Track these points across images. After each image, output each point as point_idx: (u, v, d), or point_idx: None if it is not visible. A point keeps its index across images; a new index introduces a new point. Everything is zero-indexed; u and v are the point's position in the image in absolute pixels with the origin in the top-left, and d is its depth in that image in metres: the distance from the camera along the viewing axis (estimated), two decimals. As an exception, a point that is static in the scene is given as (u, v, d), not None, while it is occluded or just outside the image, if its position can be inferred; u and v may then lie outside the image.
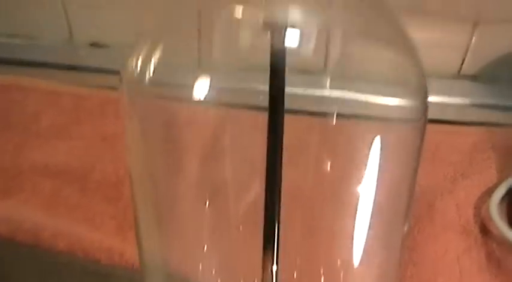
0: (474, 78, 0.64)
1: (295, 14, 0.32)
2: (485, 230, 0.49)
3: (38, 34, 0.68)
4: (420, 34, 0.61)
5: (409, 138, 0.38)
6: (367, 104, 0.37)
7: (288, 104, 0.31)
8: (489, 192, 0.50)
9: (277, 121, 0.31)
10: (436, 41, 0.61)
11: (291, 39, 0.31)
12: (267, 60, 0.30)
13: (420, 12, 0.59)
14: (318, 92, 0.35)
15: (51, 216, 0.49)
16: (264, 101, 0.31)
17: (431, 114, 0.62)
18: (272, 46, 0.30)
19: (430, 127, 0.60)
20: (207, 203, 0.38)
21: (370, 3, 0.37)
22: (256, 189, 0.35)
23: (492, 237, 0.48)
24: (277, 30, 0.31)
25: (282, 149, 0.31)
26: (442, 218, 0.49)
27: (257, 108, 0.33)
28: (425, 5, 0.58)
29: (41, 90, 0.61)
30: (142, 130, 0.38)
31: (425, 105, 0.37)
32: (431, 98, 0.63)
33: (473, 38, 0.60)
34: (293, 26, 0.31)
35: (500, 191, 0.50)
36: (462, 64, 0.63)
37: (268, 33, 0.31)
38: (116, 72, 0.65)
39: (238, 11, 0.34)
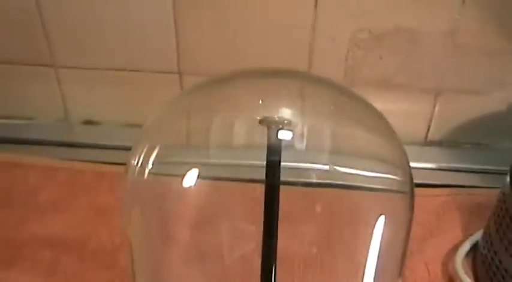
0: (440, 143, 0.69)
1: (286, 113, 0.37)
2: (453, 284, 0.52)
3: (34, 114, 0.72)
4: (388, 105, 0.66)
5: (400, 208, 0.41)
6: (360, 178, 0.42)
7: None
8: (455, 249, 0.54)
9: (273, 209, 0.35)
10: (403, 111, 0.66)
11: (285, 134, 0.36)
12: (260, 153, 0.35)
13: (387, 86, 0.64)
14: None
15: (51, 283, 0.52)
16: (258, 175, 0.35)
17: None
18: (269, 139, 0.35)
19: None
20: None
21: (349, 98, 0.43)
22: (253, 260, 0.37)
23: (460, 291, 0.51)
24: (273, 126, 0.36)
25: (277, 222, 0.35)
26: (413, 275, 0.53)
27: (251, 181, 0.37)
28: (391, 79, 0.64)
29: (39, 167, 0.64)
30: (143, 215, 0.43)
31: (411, 180, 0.41)
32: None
33: (436, 107, 0.65)
34: (286, 123, 0.36)
35: (465, 248, 0.54)
36: (428, 131, 0.68)
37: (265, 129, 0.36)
38: (108, 148, 0.69)
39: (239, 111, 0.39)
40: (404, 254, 0.41)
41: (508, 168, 0.49)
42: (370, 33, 0.60)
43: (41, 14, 0.63)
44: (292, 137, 0.36)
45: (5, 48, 0.66)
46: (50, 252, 0.54)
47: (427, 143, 0.69)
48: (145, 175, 0.40)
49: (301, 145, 0.37)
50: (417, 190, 0.60)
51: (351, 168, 0.41)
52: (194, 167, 0.39)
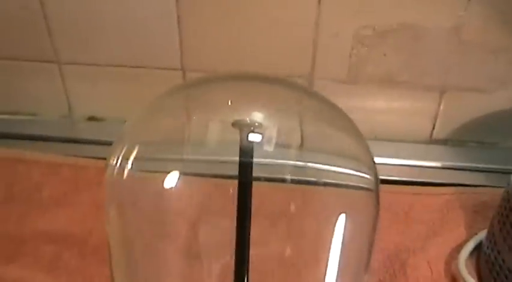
0: (445, 142, 0.68)
1: (258, 115, 0.39)
2: (456, 283, 0.52)
3: (38, 110, 0.72)
4: (392, 103, 0.65)
5: (364, 205, 0.42)
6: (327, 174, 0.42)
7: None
8: (459, 248, 0.54)
9: (246, 204, 0.36)
10: (408, 109, 0.66)
11: (256, 135, 0.37)
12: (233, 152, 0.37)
13: (391, 83, 0.64)
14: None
15: (52, 279, 0.52)
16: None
17: (406, 177, 0.66)
18: (241, 141, 0.37)
19: (404, 188, 0.64)
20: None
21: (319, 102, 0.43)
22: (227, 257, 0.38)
23: (463, 290, 0.51)
24: (245, 129, 0.37)
25: (250, 219, 0.36)
26: (415, 273, 0.52)
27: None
28: (395, 76, 0.63)
29: (42, 163, 0.64)
30: (121, 213, 0.44)
31: (376, 177, 0.42)
32: (407, 162, 0.67)
33: (441, 105, 0.65)
34: (257, 126, 0.38)
35: (468, 247, 0.53)
36: (433, 129, 0.67)
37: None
38: (111, 144, 0.69)
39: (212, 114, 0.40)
40: (370, 251, 0.42)
41: (512, 167, 0.48)
42: (374, 30, 0.60)
43: (44, 11, 0.63)
44: (262, 139, 0.38)
45: (8, 44, 0.66)
46: (52, 248, 0.55)
47: (432, 141, 0.68)
48: (124, 175, 0.42)
49: (271, 146, 0.38)
50: (421, 189, 0.61)
51: (319, 164, 0.42)
52: (171, 164, 0.40)
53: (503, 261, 0.48)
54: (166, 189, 0.40)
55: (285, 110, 0.41)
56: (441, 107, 0.65)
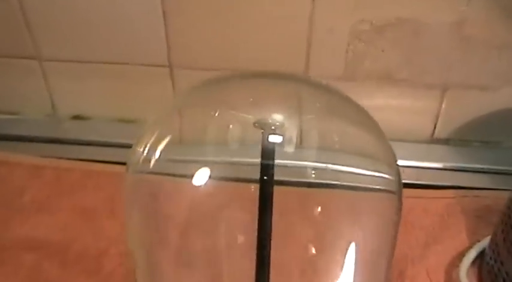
0: (447, 141, 0.66)
1: (279, 116, 0.39)
2: (456, 294, 0.50)
3: (20, 109, 0.70)
4: (392, 101, 0.63)
5: (389, 207, 0.41)
6: (352, 178, 0.42)
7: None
8: (460, 256, 0.51)
9: (267, 215, 0.36)
10: (408, 107, 0.63)
11: (278, 137, 0.37)
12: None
13: (389, 81, 0.61)
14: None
15: (31, 290, 0.50)
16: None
17: (406, 178, 0.64)
18: (263, 141, 0.37)
19: (404, 191, 0.61)
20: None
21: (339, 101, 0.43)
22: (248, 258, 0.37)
23: (463, 302, 0.49)
24: (266, 129, 0.37)
25: (271, 221, 0.36)
26: (414, 283, 0.50)
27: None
28: (393, 73, 0.60)
29: (24, 165, 0.62)
30: (144, 210, 0.42)
31: (399, 179, 0.41)
32: (407, 162, 0.65)
33: (443, 103, 0.62)
34: (279, 125, 0.38)
35: (470, 256, 0.51)
36: (434, 129, 0.65)
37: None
38: (98, 144, 0.67)
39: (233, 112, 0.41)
40: (391, 254, 0.41)
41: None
42: (372, 25, 0.57)
43: (22, 4, 0.60)
44: (284, 139, 0.38)
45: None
46: (32, 256, 0.52)
47: (433, 141, 0.66)
48: (144, 173, 0.42)
49: (292, 147, 0.38)
50: (421, 192, 0.58)
51: (343, 166, 0.41)
52: (191, 164, 0.40)
53: (507, 274, 0.45)
54: (189, 189, 0.40)
55: (306, 109, 0.41)
56: (443, 106, 0.63)
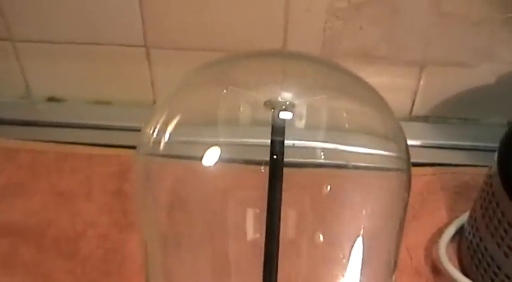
0: (425, 119, 0.65)
1: (288, 95, 0.39)
2: (436, 270, 0.50)
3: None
4: (370, 79, 0.63)
5: (398, 186, 0.41)
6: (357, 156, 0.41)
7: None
8: (439, 233, 0.52)
9: (277, 185, 0.35)
10: (386, 85, 0.62)
11: (288, 113, 0.37)
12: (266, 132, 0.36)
13: (368, 59, 0.60)
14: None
15: (8, 275, 0.49)
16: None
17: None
18: (273, 120, 0.37)
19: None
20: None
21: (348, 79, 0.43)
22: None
23: (444, 278, 0.49)
24: (277, 108, 0.37)
25: (280, 199, 0.35)
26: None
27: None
28: (372, 51, 0.60)
29: (-2, 148, 0.61)
30: (155, 190, 0.42)
31: (408, 157, 0.41)
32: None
33: (421, 80, 0.62)
34: (289, 105, 0.38)
35: (449, 232, 0.51)
36: (412, 106, 0.64)
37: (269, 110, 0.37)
38: (73, 126, 0.66)
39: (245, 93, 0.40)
40: (400, 234, 0.41)
41: (497, 145, 0.45)
42: (349, 2, 0.56)
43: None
44: (294, 116, 0.38)
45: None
46: (8, 240, 0.52)
47: (411, 118, 0.65)
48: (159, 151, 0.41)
49: (303, 125, 0.38)
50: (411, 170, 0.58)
51: (353, 146, 0.41)
52: (202, 145, 0.39)
53: (486, 249, 0.45)
54: (201, 171, 0.39)
55: (315, 88, 0.41)
56: (421, 83, 0.62)
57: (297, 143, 0.38)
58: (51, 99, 0.68)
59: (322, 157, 0.39)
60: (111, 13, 0.60)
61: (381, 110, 0.42)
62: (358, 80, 0.42)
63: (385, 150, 0.42)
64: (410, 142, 0.61)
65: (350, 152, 0.40)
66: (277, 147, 0.36)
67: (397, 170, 0.42)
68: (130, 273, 0.50)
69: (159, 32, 0.61)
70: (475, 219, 0.47)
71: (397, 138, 0.42)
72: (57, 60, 0.64)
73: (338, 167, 0.39)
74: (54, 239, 0.52)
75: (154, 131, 0.40)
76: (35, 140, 0.62)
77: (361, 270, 0.39)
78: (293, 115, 0.37)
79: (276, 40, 0.59)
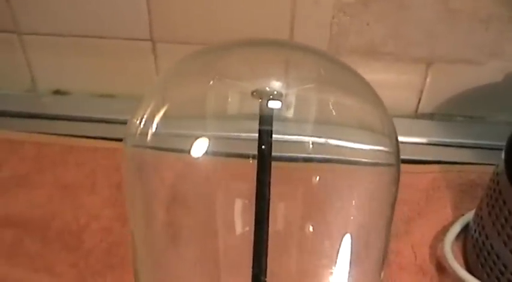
0: (431, 116, 0.65)
1: (277, 85, 0.38)
2: (441, 268, 0.49)
3: (0, 84, 0.68)
4: (376, 75, 0.63)
5: (387, 180, 0.41)
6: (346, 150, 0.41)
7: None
8: (444, 230, 0.51)
9: (265, 178, 0.35)
10: (392, 82, 0.62)
11: (276, 103, 0.37)
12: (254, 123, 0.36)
13: (374, 55, 0.60)
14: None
15: (11, 266, 0.49)
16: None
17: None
18: (261, 109, 0.37)
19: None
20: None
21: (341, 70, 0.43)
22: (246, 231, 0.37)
23: (448, 276, 0.48)
24: (265, 97, 0.37)
25: (269, 191, 0.35)
26: (398, 258, 0.50)
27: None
28: (378, 47, 0.60)
29: (3, 141, 0.61)
30: (143, 182, 0.42)
31: (397, 151, 0.41)
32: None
33: (428, 77, 0.62)
34: (277, 95, 0.37)
35: (454, 230, 0.51)
36: (418, 103, 0.64)
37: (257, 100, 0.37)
38: (78, 119, 0.66)
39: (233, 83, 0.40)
40: (389, 228, 0.41)
41: (503, 144, 0.45)
42: (357, -2, 0.56)
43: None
44: (282, 108, 0.38)
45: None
46: (12, 232, 0.52)
47: (417, 115, 0.65)
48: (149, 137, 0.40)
49: (291, 117, 0.38)
50: (405, 167, 0.57)
51: (342, 140, 0.41)
52: (189, 137, 0.39)
53: (492, 247, 0.45)
54: (188, 162, 0.39)
55: (305, 78, 0.41)
56: (427, 80, 0.62)
57: (286, 137, 0.37)
58: (57, 92, 0.68)
59: (311, 150, 0.38)
60: (117, 7, 0.60)
61: (373, 104, 0.42)
62: (351, 72, 0.42)
63: (375, 144, 0.42)
64: (415, 139, 0.62)
65: (340, 146, 0.40)
66: (264, 137, 0.36)
67: (387, 164, 0.41)
68: (133, 267, 0.50)
69: (165, 26, 0.61)
70: (481, 217, 0.47)
71: (388, 132, 0.41)
72: (63, 53, 0.64)
73: (327, 161, 0.39)
74: (58, 231, 0.52)
75: (141, 121, 0.40)
76: (40, 133, 0.62)
77: (350, 263, 0.39)
78: (281, 105, 0.37)
79: (282, 35, 0.59)
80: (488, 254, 0.45)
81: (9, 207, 0.54)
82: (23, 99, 0.67)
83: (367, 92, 0.41)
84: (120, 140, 0.60)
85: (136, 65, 0.64)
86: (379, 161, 0.42)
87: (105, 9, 0.60)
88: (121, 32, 0.61)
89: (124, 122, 0.63)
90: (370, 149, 0.42)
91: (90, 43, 0.63)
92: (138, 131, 0.40)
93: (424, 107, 0.65)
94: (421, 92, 0.63)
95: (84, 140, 0.61)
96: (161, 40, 0.61)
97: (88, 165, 0.58)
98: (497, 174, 0.45)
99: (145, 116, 0.40)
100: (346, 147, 0.41)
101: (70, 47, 0.64)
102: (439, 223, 0.53)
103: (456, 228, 0.51)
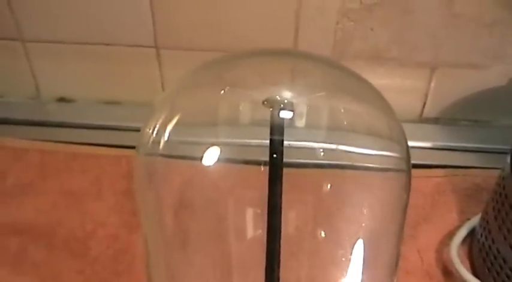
0: (436, 120, 0.65)
1: (287, 94, 0.38)
2: (447, 273, 0.49)
3: (3, 91, 0.68)
4: (380, 80, 0.63)
5: (398, 186, 0.41)
6: (364, 158, 0.41)
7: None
8: (450, 235, 0.51)
9: (277, 189, 0.35)
10: (397, 87, 0.62)
11: (287, 113, 0.37)
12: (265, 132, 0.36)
13: (379, 60, 0.60)
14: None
15: (17, 274, 0.49)
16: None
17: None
18: (272, 119, 0.36)
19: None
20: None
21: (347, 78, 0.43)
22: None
23: (455, 280, 0.48)
24: (276, 106, 0.37)
25: (281, 198, 0.35)
26: (405, 263, 0.49)
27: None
28: (383, 52, 0.60)
29: (8, 148, 0.61)
30: (155, 190, 0.42)
31: (408, 157, 0.41)
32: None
33: (432, 82, 0.62)
34: (287, 104, 0.37)
35: (461, 234, 0.50)
36: (423, 108, 0.64)
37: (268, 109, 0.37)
38: (83, 127, 0.66)
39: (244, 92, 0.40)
40: (401, 234, 0.41)
41: (508, 147, 0.45)
42: (361, 3, 0.56)
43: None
44: (293, 117, 0.37)
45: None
46: (18, 240, 0.52)
47: (422, 120, 0.65)
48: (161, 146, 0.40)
49: (303, 125, 0.38)
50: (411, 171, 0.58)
51: (353, 146, 0.41)
52: (201, 145, 0.39)
53: (498, 251, 0.45)
54: (200, 171, 0.39)
55: (314, 87, 0.41)
56: (432, 84, 0.62)
57: (297, 143, 0.37)
58: (61, 99, 0.68)
59: (322, 156, 0.38)
60: (121, 14, 0.60)
61: (382, 110, 0.42)
62: (360, 79, 0.42)
63: (386, 150, 0.42)
64: (421, 144, 0.62)
65: (351, 152, 0.40)
66: (276, 146, 0.35)
67: (398, 170, 0.41)
68: (140, 274, 0.49)
69: (170, 33, 0.61)
70: (487, 221, 0.47)
71: (398, 138, 0.41)
72: (67, 60, 0.64)
73: (339, 167, 0.39)
74: (64, 238, 0.52)
75: (153, 131, 0.40)
76: (44, 140, 0.62)
77: (363, 270, 0.39)
78: (293, 114, 0.37)
79: (287, 41, 0.59)
80: (495, 258, 0.45)
81: (14, 215, 0.54)
82: (27, 106, 0.67)
83: (376, 98, 0.41)
84: (124, 146, 0.60)
85: (141, 71, 0.64)
86: (390, 167, 0.42)
87: (109, 16, 0.60)
88: (125, 38, 0.62)
89: (128, 129, 0.63)
90: (381, 155, 0.42)
91: (94, 50, 0.63)
92: (151, 140, 0.40)
93: (428, 112, 0.65)
94: (426, 96, 0.63)
95: (88, 147, 0.61)
96: (165, 47, 0.62)
97: (93, 172, 0.58)
98: (503, 178, 0.45)
99: (157, 126, 0.40)
100: (357, 154, 0.40)
101: (74, 54, 0.64)
102: (445, 227, 0.53)
103: (462, 232, 0.51)
